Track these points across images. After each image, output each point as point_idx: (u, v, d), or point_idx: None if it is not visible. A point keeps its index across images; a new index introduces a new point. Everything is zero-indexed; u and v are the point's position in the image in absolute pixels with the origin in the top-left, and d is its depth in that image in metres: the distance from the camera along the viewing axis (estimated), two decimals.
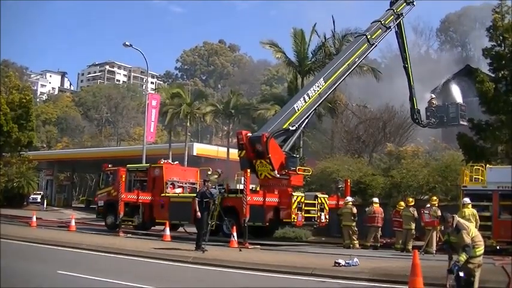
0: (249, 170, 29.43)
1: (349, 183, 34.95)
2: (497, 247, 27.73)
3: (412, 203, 29.72)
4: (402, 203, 30.53)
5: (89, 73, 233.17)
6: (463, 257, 13.28)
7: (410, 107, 40.23)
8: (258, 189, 31.39)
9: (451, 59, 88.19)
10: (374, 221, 30.62)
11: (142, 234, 34.84)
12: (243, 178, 29.98)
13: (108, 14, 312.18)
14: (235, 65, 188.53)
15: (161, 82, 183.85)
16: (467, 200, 27.02)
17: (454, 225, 13.74)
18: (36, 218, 39.59)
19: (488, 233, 27.10)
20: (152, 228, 37.44)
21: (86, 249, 24.95)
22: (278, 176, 30.30)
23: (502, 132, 34.67)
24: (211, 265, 20.87)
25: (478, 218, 26.31)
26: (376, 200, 31.93)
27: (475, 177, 29.83)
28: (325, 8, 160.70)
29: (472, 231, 13.82)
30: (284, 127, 31.15)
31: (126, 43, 52.11)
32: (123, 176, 35.53)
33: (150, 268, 20.57)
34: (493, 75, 35.93)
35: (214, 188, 26.48)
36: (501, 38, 35.27)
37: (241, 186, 30.51)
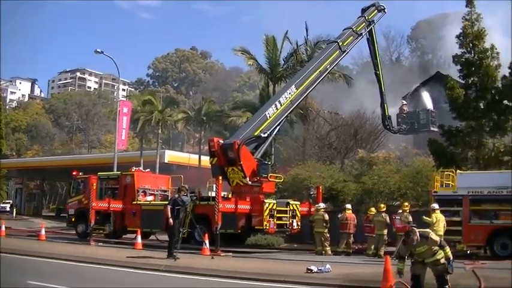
0: (220, 177, 29.27)
1: (321, 190, 34.86)
2: (468, 251, 28.16)
3: (384, 209, 29.88)
4: (373, 209, 30.69)
5: (60, 80, 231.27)
6: (448, 251, 13.76)
7: (381, 113, 40.33)
8: (229, 196, 31.26)
9: (421, 65, 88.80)
10: (346, 227, 30.55)
11: (113, 242, 34.39)
12: (214, 185, 29.87)
13: (80, 20, 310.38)
14: (207, 72, 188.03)
15: (133, 89, 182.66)
16: (435, 205, 27.42)
17: (419, 237, 13.79)
18: (5, 227, 39.01)
19: (459, 237, 27.73)
20: (124, 236, 37.07)
21: (57, 259, 24.45)
22: (250, 183, 30.24)
23: (471, 138, 35.00)
24: (183, 273, 20.63)
25: (445, 223, 26.93)
26: (348, 206, 31.91)
27: (445, 183, 29.94)
28: (298, 15, 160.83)
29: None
30: (256, 134, 31.07)
31: (97, 50, 52.00)
32: (94, 183, 35.00)
33: (122, 277, 20.34)
34: (463, 82, 36.20)
35: (186, 195, 26.07)
36: (471, 45, 35.58)
37: (213, 194, 30.44)
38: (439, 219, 26.89)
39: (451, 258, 13.86)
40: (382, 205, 30.59)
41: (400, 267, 13.74)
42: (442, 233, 26.39)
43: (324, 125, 55.11)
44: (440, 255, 13.76)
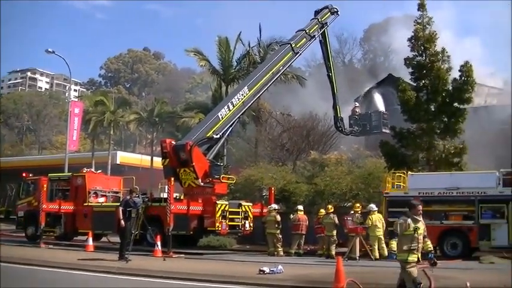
0: (172, 179, 29.12)
1: (273, 191, 34.92)
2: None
3: (332, 210, 29.87)
4: (323, 210, 30.68)
5: (10, 80, 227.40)
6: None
7: (333, 115, 40.24)
8: (182, 197, 31.16)
9: (374, 68, 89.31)
10: (298, 228, 30.51)
11: (64, 245, 33.98)
12: (166, 187, 29.77)
13: (31, 19, 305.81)
14: (160, 72, 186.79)
15: (84, 89, 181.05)
16: (373, 206, 28.24)
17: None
18: None
19: None
20: (75, 238, 36.68)
21: (5, 262, 23.81)
22: (202, 184, 30.12)
23: (422, 139, 35.24)
24: (135, 275, 20.43)
25: (384, 222, 27.74)
26: (300, 207, 31.86)
27: (397, 184, 30.36)
28: (252, 17, 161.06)
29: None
30: (208, 135, 31.01)
31: (49, 50, 51.44)
32: (45, 185, 34.40)
33: (74, 280, 20.06)
34: (414, 84, 36.39)
35: (138, 196, 25.97)
36: (422, 48, 35.86)
37: (165, 195, 30.20)
38: (375, 221, 27.60)
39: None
40: (330, 206, 30.59)
41: (392, 244, 13.51)
42: (381, 234, 27.23)
43: (277, 126, 54.98)
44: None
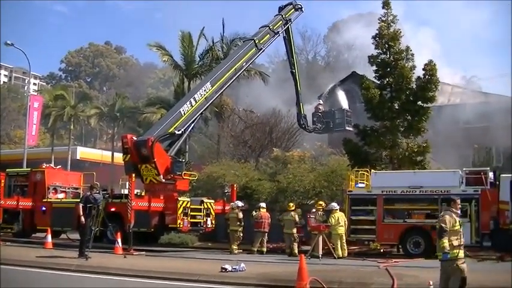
0: (134, 175, 28.74)
1: (235, 188, 34.88)
2: (381, 250, 29.20)
3: (293, 208, 29.87)
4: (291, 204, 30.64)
5: None
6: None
7: (297, 112, 40.03)
8: (143, 194, 30.87)
9: (337, 65, 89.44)
10: (260, 226, 30.33)
11: (22, 242, 33.09)
12: (127, 183, 29.50)
13: None
14: (121, 67, 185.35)
15: (44, 83, 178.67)
16: (334, 205, 28.32)
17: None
18: None
19: (373, 236, 28.63)
20: (33, 235, 35.84)
21: None
22: (163, 180, 29.91)
23: (386, 138, 35.46)
24: (95, 273, 20.13)
25: (346, 220, 27.98)
26: (263, 205, 31.64)
27: (360, 182, 30.51)
28: (215, 13, 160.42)
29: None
30: (170, 131, 30.74)
31: (8, 42, 50.80)
32: (2, 181, 33.54)
33: (32, 277, 19.68)
34: (378, 82, 36.64)
35: (98, 193, 25.45)
36: (386, 46, 36.02)
37: (126, 191, 29.90)
38: (337, 219, 27.57)
39: None
40: (291, 204, 30.60)
41: (445, 243, 12.73)
42: (343, 232, 27.28)
43: (239, 123, 54.76)
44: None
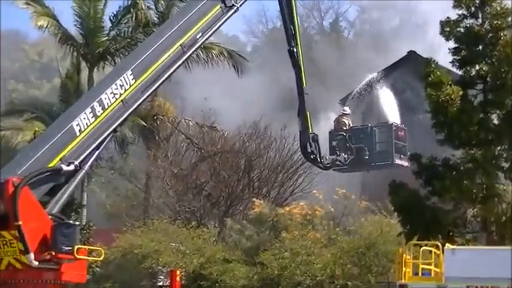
0: None
1: (178, 278, 24.78)
2: None
3: None
4: None
5: None
6: None
7: (299, 129, 25.79)
8: None
9: (378, 39, 68.88)
10: None
11: None
12: None
13: None
14: None
15: None
16: None
17: None
18: None
19: None
20: None
21: None
22: (36, 264, 15.91)
23: (475, 181, 24.75)
24: None
25: None
26: None
27: (423, 268, 21.22)
28: None
29: None
30: (52, 165, 17.43)
31: None
32: None
33: None
34: (459, 73, 26.31)
35: None
36: (477, 2, 26.12)
37: None
38: None
39: None
40: None
41: None
42: None
43: (188, 149, 41.56)
44: None
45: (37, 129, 37.16)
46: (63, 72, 46.71)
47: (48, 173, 19.62)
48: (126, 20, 41.14)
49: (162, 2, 41.49)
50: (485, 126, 24.76)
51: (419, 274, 21.02)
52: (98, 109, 18.96)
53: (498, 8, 25.15)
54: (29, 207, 18.37)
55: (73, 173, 20.43)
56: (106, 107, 19.19)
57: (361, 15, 77.17)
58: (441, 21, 26.03)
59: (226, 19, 22.70)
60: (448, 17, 25.78)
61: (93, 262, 26.47)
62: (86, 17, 40.22)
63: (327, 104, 37.99)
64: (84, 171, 21.20)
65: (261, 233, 32.59)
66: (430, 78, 25.20)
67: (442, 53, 29.40)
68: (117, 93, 19.41)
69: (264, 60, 51.26)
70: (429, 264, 21.10)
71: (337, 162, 27.77)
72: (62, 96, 43.48)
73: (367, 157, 28.16)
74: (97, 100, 20.58)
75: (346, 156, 27.94)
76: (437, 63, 26.24)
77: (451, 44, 25.77)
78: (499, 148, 24.86)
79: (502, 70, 24.53)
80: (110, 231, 35.78)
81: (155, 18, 41.28)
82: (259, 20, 78.18)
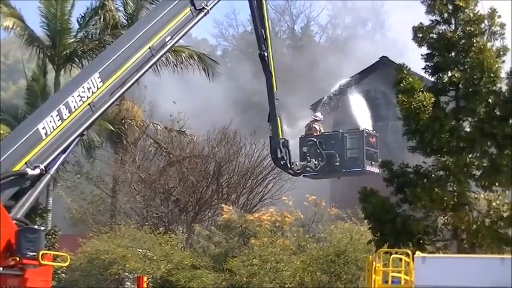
0: None
1: (145, 285, 24.00)
2: None
3: None
4: None
5: None
6: None
7: (269, 135, 25.90)
8: None
9: (351, 45, 67.98)
10: None
11: None
12: None
13: None
14: None
15: None
16: None
17: None
18: None
19: None
20: None
21: None
22: (0, 269, 15.36)
23: (446, 189, 24.85)
24: None
25: None
26: None
27: (393, 276, 21.21)
28: None
29: None
30: (16, 170, 17.13)
31: None
32: None
33: None
34: (432, 79, 26.50)
35: None
36: (450, 7, 26.78)
37: None
38: None
39: None
40: None
41: None
42: None
43: (157, 154, 41.35)
44: None
45: (2, 132, 36.86)
46: (29, 74, 47.15)
47: (13, 177, 19.11)
48: (94, 22, 41.25)
49: (131, 4, 41.54)
50: (457, 133, 24.90)
51: (389, 282, 20.81)
52: (65, 112, 19.35)
53: (471, 15, 25.17)
54: None
55: (38, 177, 19.89)
56: (73, 110, 19.58)
57: (333, 20, 74.74)
58: (414, 27, 26.05)
59: (196, 22, 22.83)
60: (421, 23, 25.97)
61: (59, 268, 26.90)
62: (52, 18, 40.24)
63: (298, 109, 37.69)
64: (50, 175, 20.70)
65: (230, 239, 32.79)
66: (402, 85, 25.17)
67: (413, 59, 28.61)
68: (84, 96, 19.92)
69: (234, 64, 50.31)
70: (399, 272, 20.79)
71: (308, 169, 28.33)
72: (28, 99, 43.64)
73: (337, 163, 28.77)
74: (64, 103, 20.26)
75: (316, 162, 28.46)
76: (409, 69, 26.18)
77: (424, 49, 25.93)
78: (470, 156, 24.83)
79: (475, 77, 24.57)
80: (75, 237, 35.98)
81: (124, 20, 41.37)
82: (229, 23, 75.01)
